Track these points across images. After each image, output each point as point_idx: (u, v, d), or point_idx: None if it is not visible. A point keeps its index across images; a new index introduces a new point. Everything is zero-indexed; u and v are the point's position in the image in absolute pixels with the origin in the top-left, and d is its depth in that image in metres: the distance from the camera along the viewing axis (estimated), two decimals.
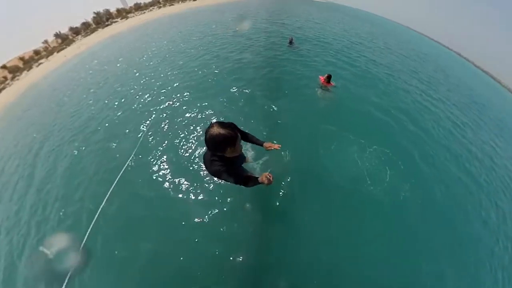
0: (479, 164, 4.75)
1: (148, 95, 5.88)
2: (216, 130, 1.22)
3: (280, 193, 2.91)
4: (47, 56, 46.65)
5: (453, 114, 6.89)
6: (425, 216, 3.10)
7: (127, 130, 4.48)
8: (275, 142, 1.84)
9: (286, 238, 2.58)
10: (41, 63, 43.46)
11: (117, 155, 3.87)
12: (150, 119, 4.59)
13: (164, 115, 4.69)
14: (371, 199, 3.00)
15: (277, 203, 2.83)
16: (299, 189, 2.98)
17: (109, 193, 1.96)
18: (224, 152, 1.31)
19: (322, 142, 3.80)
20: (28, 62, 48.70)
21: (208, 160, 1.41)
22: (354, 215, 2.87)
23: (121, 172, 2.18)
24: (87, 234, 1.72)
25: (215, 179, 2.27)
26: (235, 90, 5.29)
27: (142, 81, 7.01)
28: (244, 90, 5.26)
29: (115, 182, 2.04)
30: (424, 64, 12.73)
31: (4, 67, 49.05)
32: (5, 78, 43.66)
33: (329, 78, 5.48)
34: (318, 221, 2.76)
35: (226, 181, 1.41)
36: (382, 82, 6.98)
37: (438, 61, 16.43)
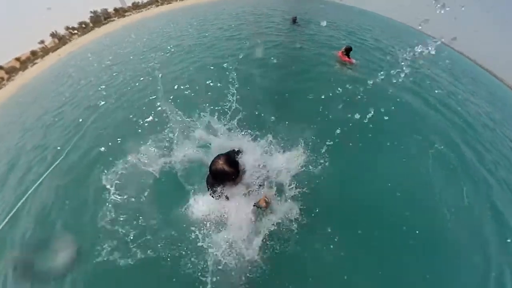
0: None
1: (106, 84, 5.50)
2: (220, 165, 1.28)
3: (301, 228, 1.69)
4: (42, 56, 46.03)
5: (487, 111, 5.93)
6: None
7: (66, 129, 4.00)
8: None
9: None
10: (36, 63, 42.89)
11: (48, 156, 3.29)
12: (94, 114, 4.05)
13: (117, 105, 4.04)
14: (455, 245, 1.70)
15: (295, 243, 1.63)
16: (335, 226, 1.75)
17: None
18: (223, 185, 1.39)
19: (363, 139, 2.51)
20: (24, 63, 48.04)
21: (210, 184, 1.45)
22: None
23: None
24: None
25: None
26: (222, 68, 4.20)
27: (112, 72, 6.56)
28: (230, 67, 4.17)
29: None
30: (436, 58, 11.71)
31: (1, 67, 48.47)
32: (2, 78, 43.27)
33: (347, 51, 4.43)
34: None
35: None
36: (410, 66, 5.79)
37: (447, 57, 15.41)
